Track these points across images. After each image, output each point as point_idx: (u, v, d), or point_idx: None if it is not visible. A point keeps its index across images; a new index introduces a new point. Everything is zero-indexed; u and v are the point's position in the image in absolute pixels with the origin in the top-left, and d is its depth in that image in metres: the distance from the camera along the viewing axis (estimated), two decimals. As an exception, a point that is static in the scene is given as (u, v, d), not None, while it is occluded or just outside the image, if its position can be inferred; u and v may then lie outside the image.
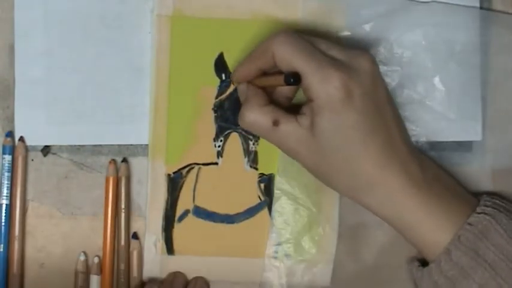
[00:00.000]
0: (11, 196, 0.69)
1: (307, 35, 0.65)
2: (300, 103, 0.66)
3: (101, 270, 0.70)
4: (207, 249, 0.71)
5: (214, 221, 0.71)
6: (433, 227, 0.64)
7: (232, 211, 0.71)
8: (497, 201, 0.66)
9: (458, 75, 0.71)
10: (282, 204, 0.71)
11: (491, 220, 0.64)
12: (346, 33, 0.70)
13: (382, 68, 0.68)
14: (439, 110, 0.71)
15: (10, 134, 0.69)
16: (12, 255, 0.69)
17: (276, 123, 0.64)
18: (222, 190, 0.71)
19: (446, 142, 0.71)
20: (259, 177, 0.71)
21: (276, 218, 0.71)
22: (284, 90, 0.67)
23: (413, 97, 0.71)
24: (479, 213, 0.64)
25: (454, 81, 0.71)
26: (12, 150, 0.69)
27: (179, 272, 0.71)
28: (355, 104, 0.62)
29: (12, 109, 0.69)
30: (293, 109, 0.65)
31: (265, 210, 0.71)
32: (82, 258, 0.70)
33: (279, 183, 0.70)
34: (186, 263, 0.71)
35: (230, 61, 0.70)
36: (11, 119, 0.69)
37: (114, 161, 0.70)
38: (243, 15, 0.70)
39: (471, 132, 0.72)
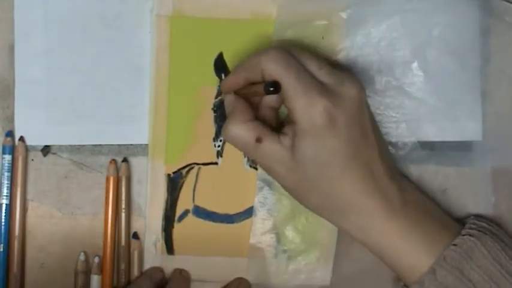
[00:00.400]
0: (11, 196, 0.69)
1: (299, 50, 0.65)
2: (283, 120, 0.67)
3: (101, 270, 0.70)
4: (207, 249, 0.71)
5: (214, 220, 0.71)
6: (411, 251, 0.64)
7: (232, 211, 0.71)
8: (483, 224, 0.66)
9: (457, 74, 0.71)
10: (264, 195, 0.71)
11: (475, 241, 0.64)
12: (323, 21, 0.70)
13: (360, 55, 0.69)
14: (418, 96, 0.70)
15: (10, 134, 0.69)
16: (12, 255, 0.69)
17: (259, 140, 0.64)
18: (221, 190, 0.71)
19: (446, 142, 0.71)
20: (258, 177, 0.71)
21: (259, 209, 0.71)
22: (270, 101, 0.66)
23: (392, 83, 0.70)
24: (464, 234, 0.64)
25: (453, 81, 0.71)
26: (12, 150, 0.69)
27: (183, 269, 0.71)
28: (338, 130, 0.62)
29: (12, 109, 0.69)
30: (277, 127, 0.66)
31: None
32: (82, 258, 0.70)
33: (261, 174, 0.70)
34: (186, 263, 0.71)
35: (230, 61, 0.70)
36: (11, 119, 0.69)
37: (114, 160, 0.70)
38: (242, 15, 0.70)
39: (471, 132, 0.71)
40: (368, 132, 0.64)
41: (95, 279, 0.70)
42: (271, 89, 0.61)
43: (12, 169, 0.69)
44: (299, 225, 0.71)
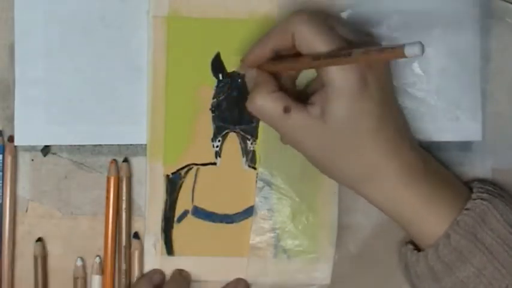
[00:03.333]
0: (3, 195, 0.69)
1: (328, 16, 0.65)
2: (304, 93, 0.66)
3: (102, 271, 0.70)
4: (206, 250, 0.71)
5: (213, 221, 0.71)
6: (431, 216, 0.64)
7: (231, 211, 0.71)
8: (490, 188, 0.66)
9: (458, 75, 0.71)
10: (264, 195, 0.71)
11: (488, 205, 0.64)
12: None
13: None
14: (419, 96, 0.70)
15: (0, 134, 0.69)
16: (3, 254, 0.69)
17: (287, 110, 0.63)
18: (220, 190, 0.71)
19: (446, 142, 0.71)
20: (258, 176, 0.71)
21: (259, 209, 0.71)
22: (286, 80, 0.66)
23: (393, 83, 0.70)
24: (475, 199, 0.65)
25: (453, 81, 0.71)
26: (2, 150, 0.69)
27: (184, 270, 0.71)
28: (370, 92, 0.62)
29: (12, 109, 0.69)
30: (300, 98, 0.65)
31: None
32: (79, 263, 0.70)
33: (262, 174, 0.70)
34: (185, 264, 0.71)
35: (227, 61, 0.70)
36: (11, 119, 0.69)
37: (115, 160, 0.70)
38: (239, 15, 0.70)
39: (471, 132, 0.72)
40: (393, 98, 0.65)
41: (96, 280, 0.70)
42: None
43: (3, 169, 0.69)
44: (299, 225, 0.71)
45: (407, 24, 0.70)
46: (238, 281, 0.71)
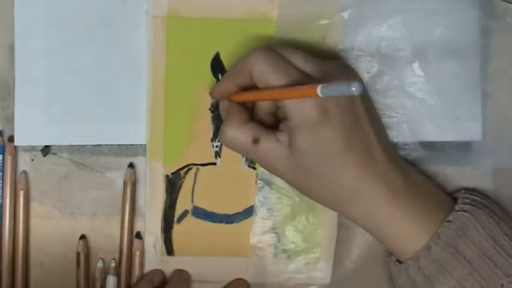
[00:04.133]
0: (3, 195, 0.69)
1: (286, 45, 0.65)
2: (280, 118, 0.67)
3: (118, 273, 0.70)
4: (206, 250, 0.71)
5: (213, 221, 0.71)
6: (412, 229, 0.64)
7: (231, 211, 0.71)
8: (476, 198, 0.67)
9: (458, 74, 0.71)
10: (264, 194, 0.71)
11: (469, 217, 0.64)
12: (324, 21, 0.70)
13: (361, 55, 0.70)
14: (419, 96, 0.70)
15: (0, 134, 0.69)
16: (3, 253, 0.69)
17: (256, 141, 0.64)
18: (220, 190, 0.71)
19: (447, 142, 0.71)
20: (258, 176, 0.71)
21: (259, 209, 0.71)
22: (265, 106, 0.66)
23: (393, 83, 0.70)
24: (457, 210, 0.65)
25: (453, 81, 0.71)
26: (2, 150, 0.69)
27: (183, 270, 0.71)
28: (331, 121, 0.62)
29: (12, 109, 0.69)
30: (274, 124, 0.66)
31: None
32: (100, 265, 0.70)
33: (261, 173, 0.70)
34: (185, 264, 0.71)
35: (226, 61, 0.70)
36: (11, 119, 0.69)
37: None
38: (238, 15, 0.70)
39: (471, 132, 0.71)
40: (363, 119, 0.64)
41: (111, 280, 0.70)
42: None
43: (3, 169, 0.69)
44: (299, 225, 0.71)
45: (408, 24, 0.70)
46: (239, 281, 0.71)
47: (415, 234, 0.64)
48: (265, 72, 0.62)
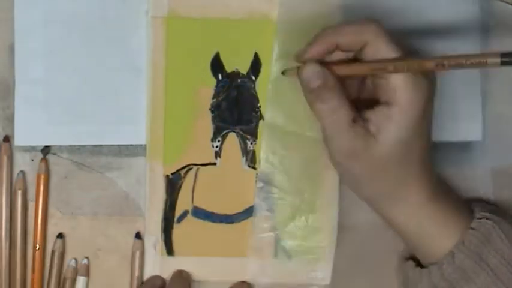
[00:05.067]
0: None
1: None
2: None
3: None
4: (207, 250, 0.71)
5: (213, 221, 0.71)
6: (439, 235, 0.64)
7: (231, 211, 0.71)
8: (492, 207, 0.67)
9: (458, 75, 0.71)
10: (264, 195, 0.70)
11: (493, 225, 0.64)
12: (323, 22, 0.68)
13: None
14: None
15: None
16: (2, 253, 0.69)
17: (355, 120, 0.61)
18: (220, 190, 0.71)
19: (446, 142, 0.71)
20: (258, 176, 0.71)
21: (259, 209, 0.70)
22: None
23: None
24: (480, 218, 0.64)
25: (453, 81, 0.71)
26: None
27: (184, 271, 0.71)
28: (429, 116, 0.62)
29: (12, 109, 0.69)
30: None
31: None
32: (72, 264, 0.70)
33: (261, 174, 0.70)
34: (186, 264, 0.71)
35: (226, 61, 0.70)
36: (11, 119, 0.69)
37: (45, 159, 0.70)
38: (238, 15, 0.70)
39: (471, 132, 0.72)
40: (431, 118, 0.63)
41: (81, 282, 0.70)
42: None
43: (-1, 169, 0.69)
44: (299, 225, 0.71)
45: (404, 26, 0.70)
46: (242, 284, 0.71)
47: (441, 239, 0.64)
48: (389, 50, 0.60)
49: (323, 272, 0.71)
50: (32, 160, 0.70)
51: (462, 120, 0.71)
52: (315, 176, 0.69)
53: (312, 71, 0.61)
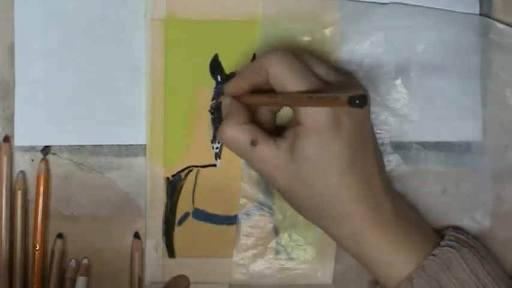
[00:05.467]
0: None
1: (307, 55, 0.65)
2: (280, 126, 0.67)
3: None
4: (208, 251, 0.71)
5: (214, 222, 0.71)
6: (397, 259, 0.64)
7: (232, 212, 0.71)
8: (461, 237, 0.66)
9: (458, 75, 0.71)
10: (247, 211, 0.71)
11: (455, 253, 0.64)
12: (307, 38, 0.70)
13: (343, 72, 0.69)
14: (402, 113, 0.71)
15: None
16: (1, 253, 0.68)
17: (253, 143, 0.63)
18: (221, 192, 0.71)
19: (446, 142, 0.71)
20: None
21: (242, 225, 0.70)
22: (266, 112, 0.67)
23: (376, 100, 0.71)
24: (443, 246, 0.65)
25: (453, 81, 0.71)
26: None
27: (182, 276, 0.70)
28: (342, 134, 0.62)
29: (12, 109, 0.69)
30: (273, 132, 0.66)
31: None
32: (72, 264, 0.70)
33: (244, 190, 0.70)
34: (187, 266, 0.70)
35: (225, 62, 0.70)
36: (11, 119, 0.69)
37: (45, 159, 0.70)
38: (236, 17, 0.70)
39: (471, 132, 0.72)
40: (369, 142, 0.65)
41: (81, 281, 0.69)
42: (357, 101, 0.55)
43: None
44: (299, 225, 0.70)
45: (390, 40, 0.71)
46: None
47: (399, 265, 0.64)
48: (285, 75, 0.62)
49: (324, 272, 0.71)
50: (32, 160, 0.69)
51: (462, 120, 0.71)
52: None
53: (223, 105, 0.67)
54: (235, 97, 0.66)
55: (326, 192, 0.63)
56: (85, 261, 0.70)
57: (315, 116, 0.61)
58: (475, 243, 0.67)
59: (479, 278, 0.63)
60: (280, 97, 0.63)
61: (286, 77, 0.62)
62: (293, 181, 0.63)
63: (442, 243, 0.65)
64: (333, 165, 0.62)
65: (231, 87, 0.67)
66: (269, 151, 0.63)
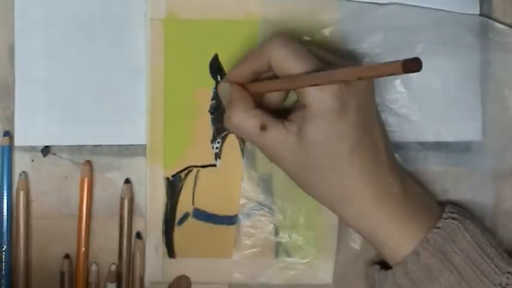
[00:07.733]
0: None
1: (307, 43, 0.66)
2: (286, 108, 0.67)
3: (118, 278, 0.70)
4: (208, 251, 0.71)
5: (214, 222, 0.71)
6: (403, 235, 0.64)
7: (232, 212, 0.71)
8: (461, 209, 0.67)
9: (457, 75, 0.71)
10: (247, 211, 0.70)
11: (458, 225, 0.64)
12: (306, 38, 0.70)
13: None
14: (401, 113, 0.71)
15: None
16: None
17: (263, 127, 0.63)
18: (221, 192, 0.71)
19: (446, 142, 0.71)
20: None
21: (242, 225, 0.70)
22: (273, 97, 0.66)
23: (376, 100, 0.70)
24: (446, 218, 0.65)
25: (453, 81, 0.71)
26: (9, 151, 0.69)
27: (184, 276, 0.70)
28: (348, 115, 0.62)
29: (12, 109, 0.69)
30: (280, 115, 0.65)
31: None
32: (94, 268, 0.70)
33: (244, 190, 0.70)
34: (187, 266, 0.70)
35: (225, 62, 0.70)
36: (11, 119, 0.69)
37: (89, 162, 0.70)
38: (236, 17, 0.70)
39: (471, 132, 0.72)
40: (374, 121, 0.65)
41: None
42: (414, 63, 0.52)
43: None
44: (299, 224, 0.70)
45: (389, 40, 0.71)
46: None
47: (405, 239, 0.64)
48: (288, 58, 0.62)
49: (324, 272, 0.71)
50: (32, 160, 0.69)
51: (462, 120, 0.71)
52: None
53: (223, 89, 0.67)
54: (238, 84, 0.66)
55: (334, 176, 0.63)
56: (113, 267, 0.70)
57: (320, 98, 0.61)
58: (474, 217, 0.67)
59: (483, 249, 0.63)
60: (287, 80, 0.63)
61: (289, 60, 0.62)
62: (302, 164, 0.63)
63: (444, 215, 0.65)
64: (340, 147, 0.62)
65: (233, 74, 0.66)
66: (279, 135, 0.63)
